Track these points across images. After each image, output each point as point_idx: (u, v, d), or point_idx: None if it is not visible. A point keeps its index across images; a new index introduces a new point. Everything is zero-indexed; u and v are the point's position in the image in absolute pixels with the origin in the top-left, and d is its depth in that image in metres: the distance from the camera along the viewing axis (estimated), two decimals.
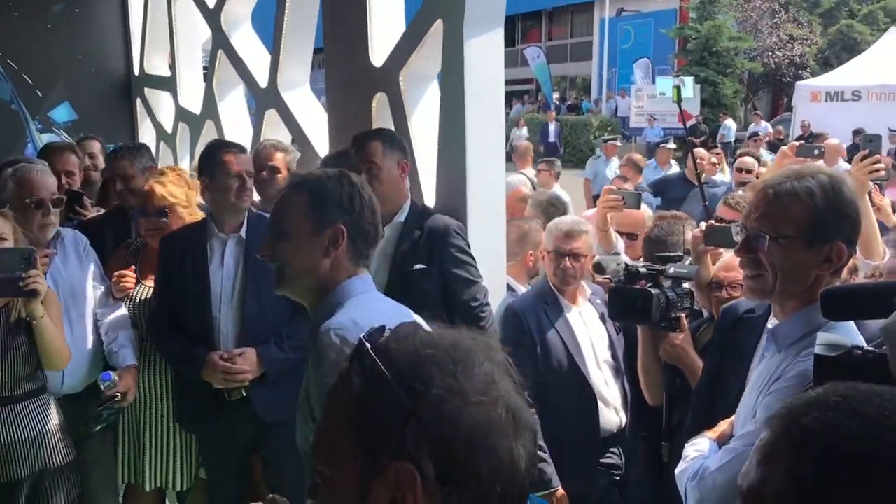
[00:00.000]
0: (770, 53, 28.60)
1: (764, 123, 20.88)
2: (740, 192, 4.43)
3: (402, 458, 0.96)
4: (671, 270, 2.82)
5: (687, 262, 2.95)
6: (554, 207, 4.60)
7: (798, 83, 21.70)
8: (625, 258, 3.79)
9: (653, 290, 2.73)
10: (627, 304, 2.80)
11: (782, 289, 1.83)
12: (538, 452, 3.33)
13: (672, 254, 3.00)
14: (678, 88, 4.75)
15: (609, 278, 3.24)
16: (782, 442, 0.89)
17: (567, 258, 3.40)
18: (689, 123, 20.04)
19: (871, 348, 1.33)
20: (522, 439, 1.00)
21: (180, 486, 3.62)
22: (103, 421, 3.47)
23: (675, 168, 10.05)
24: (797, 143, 4.42)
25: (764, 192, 1.84)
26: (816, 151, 4.08)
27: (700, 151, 7.43)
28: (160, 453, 3.57)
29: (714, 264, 3.02)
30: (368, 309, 1.90)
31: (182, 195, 3.60)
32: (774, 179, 1.85)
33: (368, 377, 1.01)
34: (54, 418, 3.18)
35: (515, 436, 0.99)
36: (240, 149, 3.48)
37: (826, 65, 26.40)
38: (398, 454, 0.96)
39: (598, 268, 3.25)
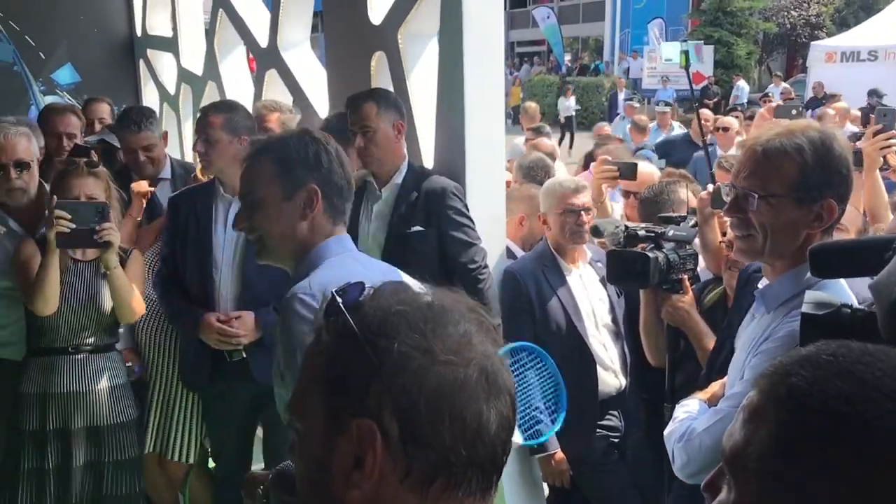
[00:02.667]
0: (785, 13, 28.11)
1: (783, 85, 20.46)
2: (731, 152, 4.40)
3: (365, 415, 0.94)
4: (671, 233, 2.77)
5: (690, 223, 2.91)
6: (534, 171, 4.55)
7: (813, 43, 21.32)
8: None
9: (650, 254, 2.68)
10: (625, 268, 2.75)
11: (772, 249, 1.79)
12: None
13: (674, 215, 2.95)
14: (686, 54, 4.68)
15: (607, 241, 3.20)
16: (769, 401, 0.86)
17: (581, 213, 3.36)
18: (701, 85, 19.77)
19: (860, 307, 1.29)
20: (496, 403, 0.97)
21: (180, 457, 3.60)
22: None
23: (677, 130, 10.00)
24: (774, 105, 4.41)
25: (752, 150, 1.80)
26: (794, 112, 4.04)
27: (705, 113, 7.33)
28: (163, 419, 3.58)
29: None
30: (342, 270, 1.85)
31: None
32: (763, 137, 1.80)
33: (338, 332, 1.00)
34: (120, 376, 3.31)
35: (488, 399, 0.96)
36: (221, 108, 3.38)
37: (843, 25, 25.90)
38: (361, 411, 0.95)
39: (596, 231, 3.21)
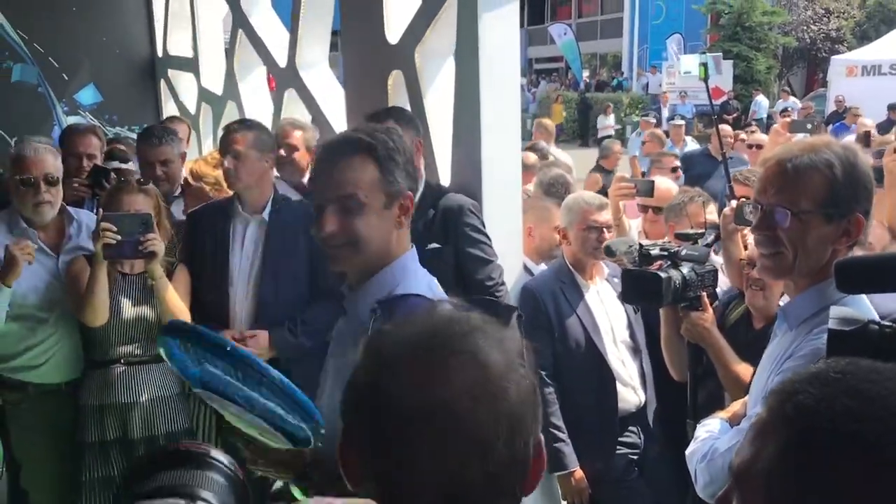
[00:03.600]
0: (805, 27, 27.97)
1: (792, 99, 20.32)
2: (748, 167, 4.40)
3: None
4: (684, 252, 2.75)
5: (707, 241, 2.88)
6: (554, 187, 4.56)
7: (833, 57, 21.21)
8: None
9: (662, 274, 2.64)
10: (639, 287, 2.71)
11: (801, 265, 1.77)
12: (556, 432, 3.28)
13: (692, 231, 2.93)
14: (705, 66, 4.65)
15: (624, 259, 3.18)
16: (776, 418, 0.86)
17: (604, 230, 3.36)
18: (720, 100, 19.67)
19: (888, 323, 1.27)
20: (447, 454, 0.97)
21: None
22: None
23: (690, 145, 9.91)
24: (789, 120, 4.40)
25: (780, 167, 1.76)
26: (809, 126, 4.03)
27: (725, 128, 7.28)
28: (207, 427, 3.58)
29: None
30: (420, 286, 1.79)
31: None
32: (789, 153, 1.77)
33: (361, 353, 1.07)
34: (174, 386, 3.35)
35: (436, 446, 0.97)
36: (249, 126, 3.40)
37: (864, 38, 25.71)
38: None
39: (609, 251, 3.20)
